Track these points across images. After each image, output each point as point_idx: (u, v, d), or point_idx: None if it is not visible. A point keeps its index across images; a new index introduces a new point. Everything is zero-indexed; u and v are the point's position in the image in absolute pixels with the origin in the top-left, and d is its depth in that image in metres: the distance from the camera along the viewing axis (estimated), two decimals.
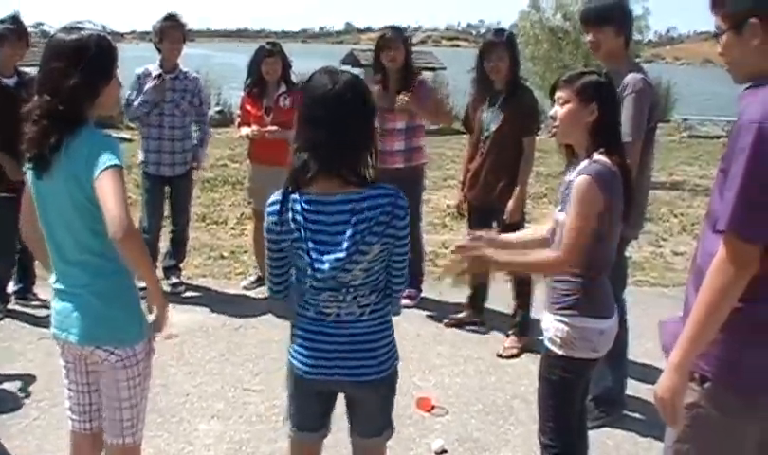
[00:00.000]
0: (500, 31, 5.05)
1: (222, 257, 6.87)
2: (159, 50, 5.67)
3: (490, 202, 4.89)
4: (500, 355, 4.80)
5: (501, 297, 5.43)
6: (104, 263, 2.43)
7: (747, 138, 1.86)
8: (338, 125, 2.23)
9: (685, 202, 9.89)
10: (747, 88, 2.03)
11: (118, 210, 2.28)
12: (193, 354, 4.79)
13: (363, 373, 2.41)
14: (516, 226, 4.87)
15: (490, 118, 4.82)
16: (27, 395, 4.13)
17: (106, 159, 2.32)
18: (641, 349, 4.40)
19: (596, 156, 2.66)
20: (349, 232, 2.23)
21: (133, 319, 2.53)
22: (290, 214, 2.28)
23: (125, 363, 2.51)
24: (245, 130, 5.77)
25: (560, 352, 2.75)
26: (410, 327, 5.17)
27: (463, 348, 4.97)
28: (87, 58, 2.35)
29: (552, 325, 2.77)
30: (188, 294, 5.90)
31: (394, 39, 5.32)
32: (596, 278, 2.74)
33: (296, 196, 2.28)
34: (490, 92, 4.85)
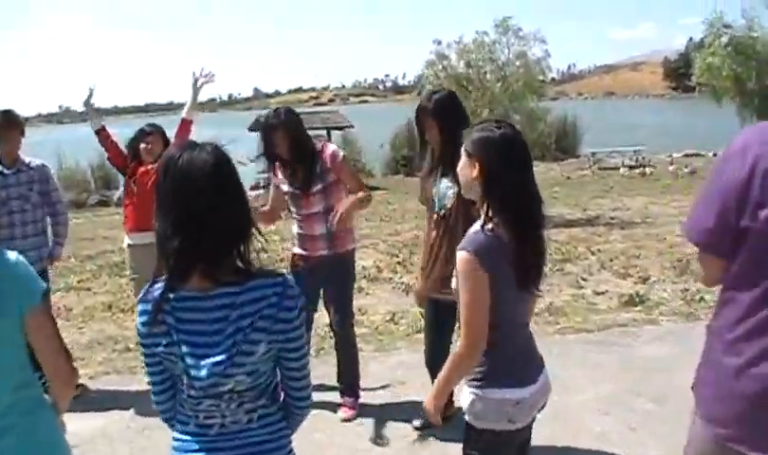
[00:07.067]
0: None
1: (128, 349, 6.36)
2: None
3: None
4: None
5: None
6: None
7: None
8: (194, 217, 1.80)
9: (601, 237, 9.90)
10: None
11: (66, 364, 2.19)
12: None
13: None
14: None
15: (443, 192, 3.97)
16: None
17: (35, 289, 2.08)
18: (572, 402, 4.20)
19: (480, 224, 2.40)
20: (229, 331, 1.85)
21: None
22: (161, 315, 1.88)
23: None
24: None
25: (474, 423, 2.53)
26: (350, 441, 4.71)
27: None
28: None
29: (465, 397, 2.54)
30: (87, 397, 5.39)
31: (276, 126, 4.36)
32: (493, 345, 2.47)
33: (166, 294, 1.88)
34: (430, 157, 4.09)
